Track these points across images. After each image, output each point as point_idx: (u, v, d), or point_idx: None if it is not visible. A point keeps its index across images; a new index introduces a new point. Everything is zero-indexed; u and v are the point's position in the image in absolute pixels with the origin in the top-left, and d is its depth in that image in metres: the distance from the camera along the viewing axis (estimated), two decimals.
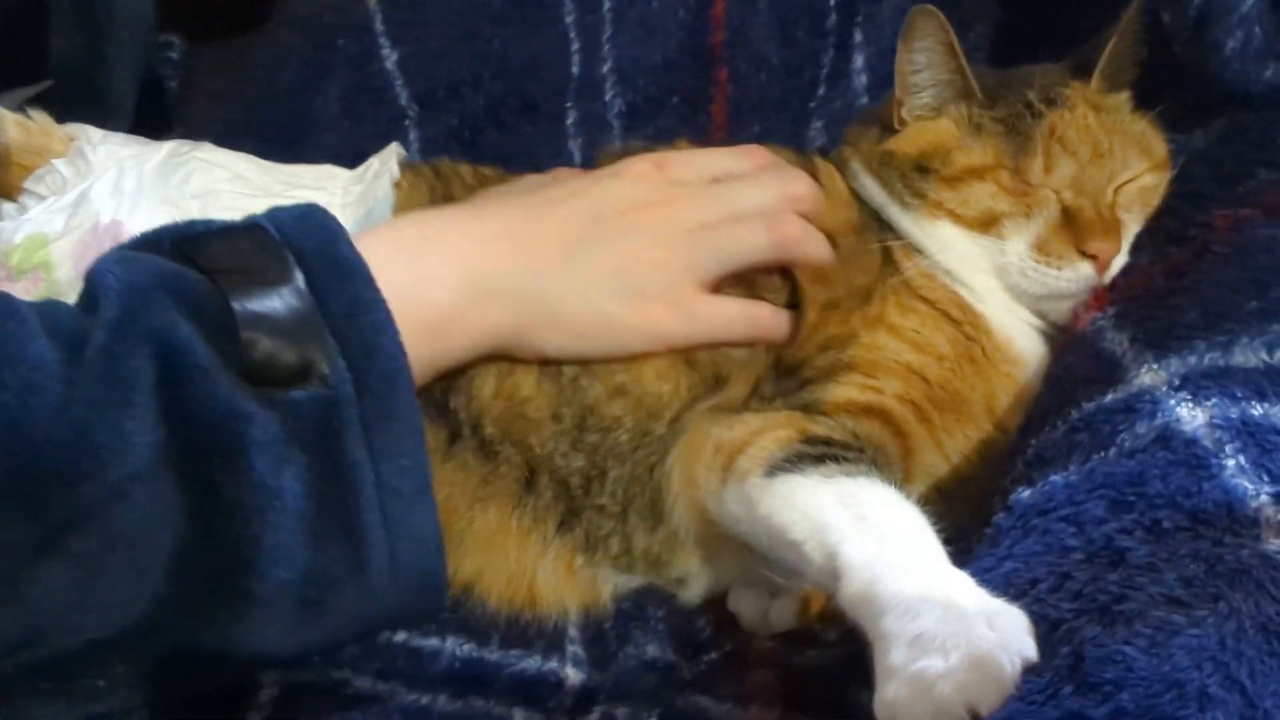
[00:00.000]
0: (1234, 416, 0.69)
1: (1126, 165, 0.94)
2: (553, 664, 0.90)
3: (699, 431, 0.90)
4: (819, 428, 0.85)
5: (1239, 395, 0.71)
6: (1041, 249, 0.91)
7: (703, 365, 0.93)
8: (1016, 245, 0.92)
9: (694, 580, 0.94)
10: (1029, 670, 0.62)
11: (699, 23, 1.16)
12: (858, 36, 1.15)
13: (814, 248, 0.96)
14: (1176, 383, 0.73)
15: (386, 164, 1.04)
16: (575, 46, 1.19)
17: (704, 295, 0.94)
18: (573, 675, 0.89)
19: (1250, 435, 0.68)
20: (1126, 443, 0.72)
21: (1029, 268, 0.92)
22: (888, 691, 0.64)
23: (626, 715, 0.84)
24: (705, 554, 0.93)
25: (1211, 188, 0.89)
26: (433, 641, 0.89)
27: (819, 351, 0.92)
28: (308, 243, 0.79)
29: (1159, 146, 0.96)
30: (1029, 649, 0.63)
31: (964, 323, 0.94)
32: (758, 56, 1.16)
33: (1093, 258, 0.90)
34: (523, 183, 1.01)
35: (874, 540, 0.73)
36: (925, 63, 0.95)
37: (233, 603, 0.74)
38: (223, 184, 0.98)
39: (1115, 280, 0.90)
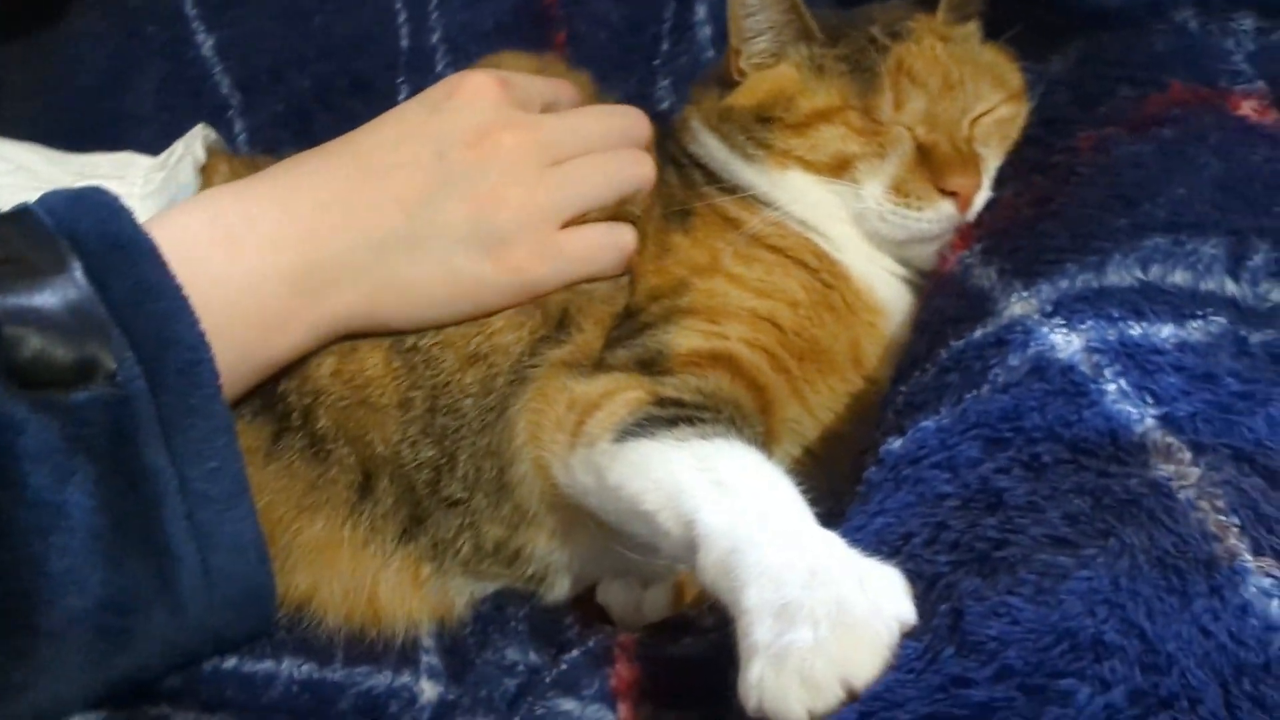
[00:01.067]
0: (1112, 339, 0.62)
1: (980, 97, 0.86)
2: (405, 679, 0.79)
3: (552, 383, 0.80)
4: (668, 389, 0.76)
5: (1115, 316, 0.63)
6: (899, 190, 0.84)
7: (550, 305, 0.84)
8: (872, 188, 0.84)
9: (555, 575, 0.85)
10: (907, 635, 0.54)
11: None
12: None
13: (647, 174, 0.89)
14: (1049, 309, 0.66)
15: (190, 148, 0.93)
16: (402, 18, 1.09)
17: (566, 230, 0.84)
18: (428, 689, 0.79)
19: (1130, 357, 0.61)
20: (999, 377, 0.64)
21: (887, 211, 0.84)
22: (752, 671, 0.55)
23: None
24: (558, 532, 0.83)
25: (1073, 111, 0.83)
26: (266, 665, 0.77)
27: (650, 300, 0.83)
28: (83, 225, 0.68)
29: (1013, 76, 0.89)
30: (906, 611, 0.55)
31: (820, 270, 0.86)
32: (596, 15, 1.07)
33: (953, 195, 0.82)
34: (350, 135, 0.87)
35: (733, 505, 0.64)
36: (759, 4, 0.87)
37: (14, 640, 0.64)
38: (2, 178, 0.86)
39: (980, 216, 0.83)
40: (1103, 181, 0.73)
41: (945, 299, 0.77)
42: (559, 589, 0.86)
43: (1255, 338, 0.62)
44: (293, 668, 0.78)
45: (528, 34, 1.06)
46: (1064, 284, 0.67)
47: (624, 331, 0.83)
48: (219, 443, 0.68)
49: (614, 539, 0.74)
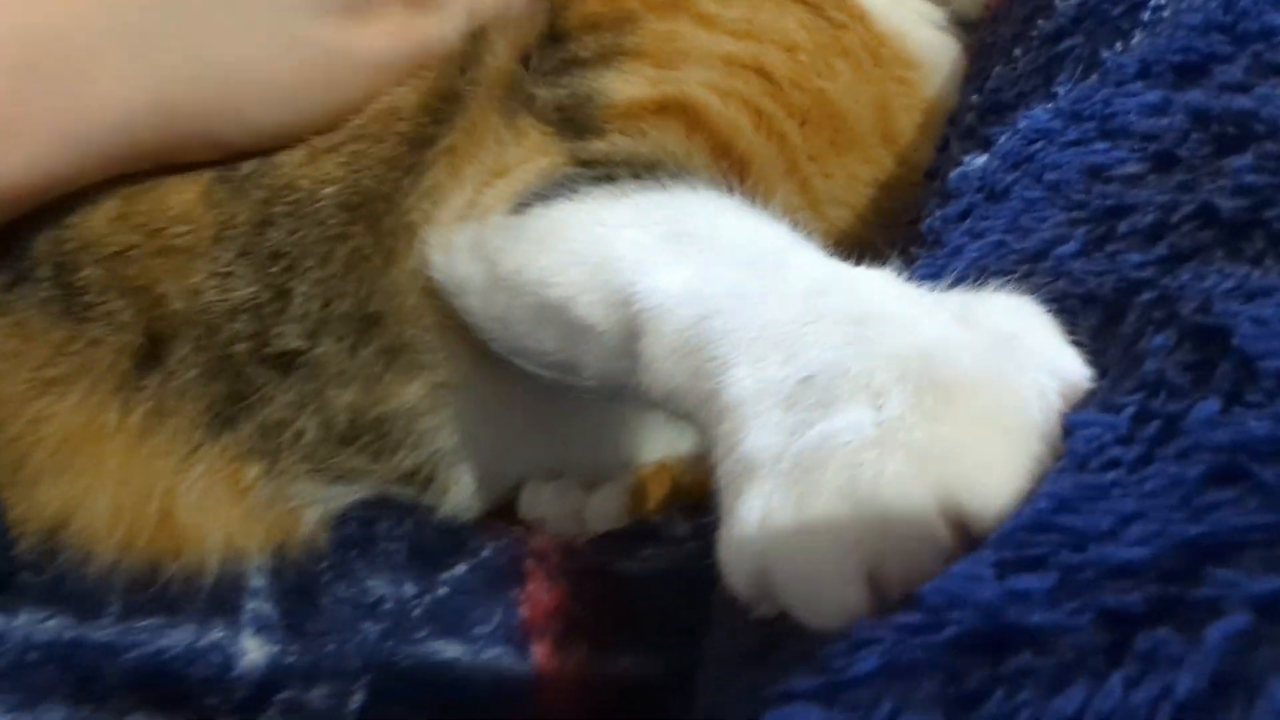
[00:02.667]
0: None
1: None
2: (216, 634, 0.48)
3: (460, 162, 0.50)
4: (595, 149, 0.47)
5: None
6: None
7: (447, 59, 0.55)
8: None
9: (449, 470, 0.53)
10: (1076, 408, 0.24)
11: None
12: None
13: None
14: None
15: None
16: None
17: None
18: (253, 649, 0.48)
19: None
20: (1165, 9, 0.34)
21: None
22: (749, 507, 0.26)
23: (325, 699, 0.44)
24: (450, 389, 0.52)
25: None
26: None
27: (584, 29, 0.54)
28: None
29: None
30: (1067, 360, 0.25)
31: (824, 5, 0.56)
32: None
33: None
34: None
35: (701, 257, 0.35)
36: None
37: None
38: None
39: None
40: None
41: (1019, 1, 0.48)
42: (458, 494, 0.54)
43: None
44: (32, 625, 0.48)
45: None
46: None
47: (546, 63, 0.54)
48: None
49: (518, 356, 0.43)
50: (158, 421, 0.51)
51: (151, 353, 0.52)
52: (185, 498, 0.51)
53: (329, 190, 0.52)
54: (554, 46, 0.53)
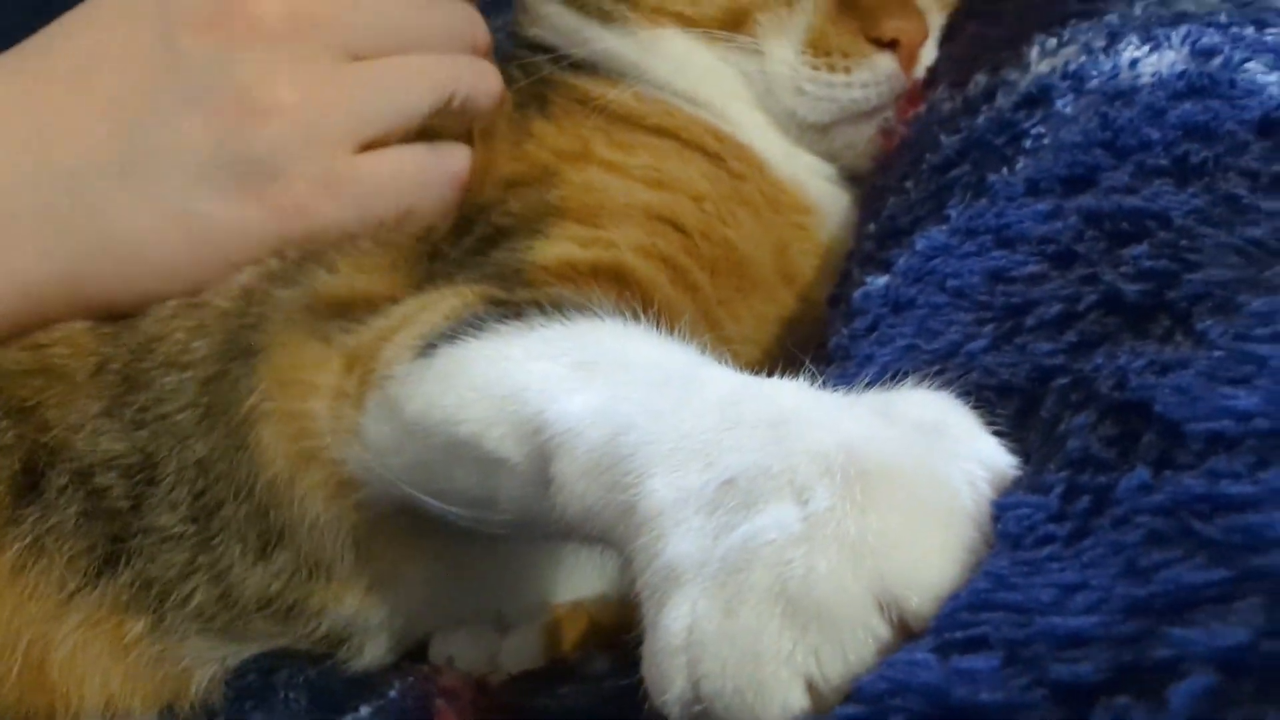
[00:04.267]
0: (1227, 37, 0.34)
1: None
2: None
3: (299, 343, 0.47)
4: (514, 295, 0.45)
5: (1224, 23, 0.36)
6: (818, 46, 0.56)
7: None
8: (781, 49, 0.57)
9: (363, 635, 0.49)
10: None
11: None
12: None
13: (490, 86, 0.57)
14: (1101, 44, 0.38)
15: None
16: None
17: (367, 154, 0.53)
18: None
19: (1273, 52, 0.33)
20: (1046, 135, 0.35)
21: (805, 79, 0.56)
22: (673, 616, 0.25)
23: None
24: (369, 577, 0.48)
25: None
26: None
27: (507, 191, 0.53)
28: None
29: None
30: (989, 449, 0.24)
31: (724, 156, 0.57)
32: None
33: (891, 46, 0.55)
34: (56, 21, 0.53)
35: (610, 379, 0.34)
36: None
37: None
38: None
39: (934, 64, 0.56)
40: None
41: (905, 149, 0.49)
42: (371, 651, 0.51)
43: None
44: None
45: None
46: (1112, 19, 0.39)
47: (461, 250, 0.53)
48: None
49: (440, 500, 0.40)
50: (33, 559, 0.47)
51: (31, 483, 0.47)
52: (60, 649, 0.46)
53: (175, 377, 0.48)
54: (469, 230, 0.52)
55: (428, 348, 0.41)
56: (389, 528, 0.45)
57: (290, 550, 0.46)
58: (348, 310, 0.47)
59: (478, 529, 0.40)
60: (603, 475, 0.30)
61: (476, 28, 0.60)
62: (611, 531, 0.30)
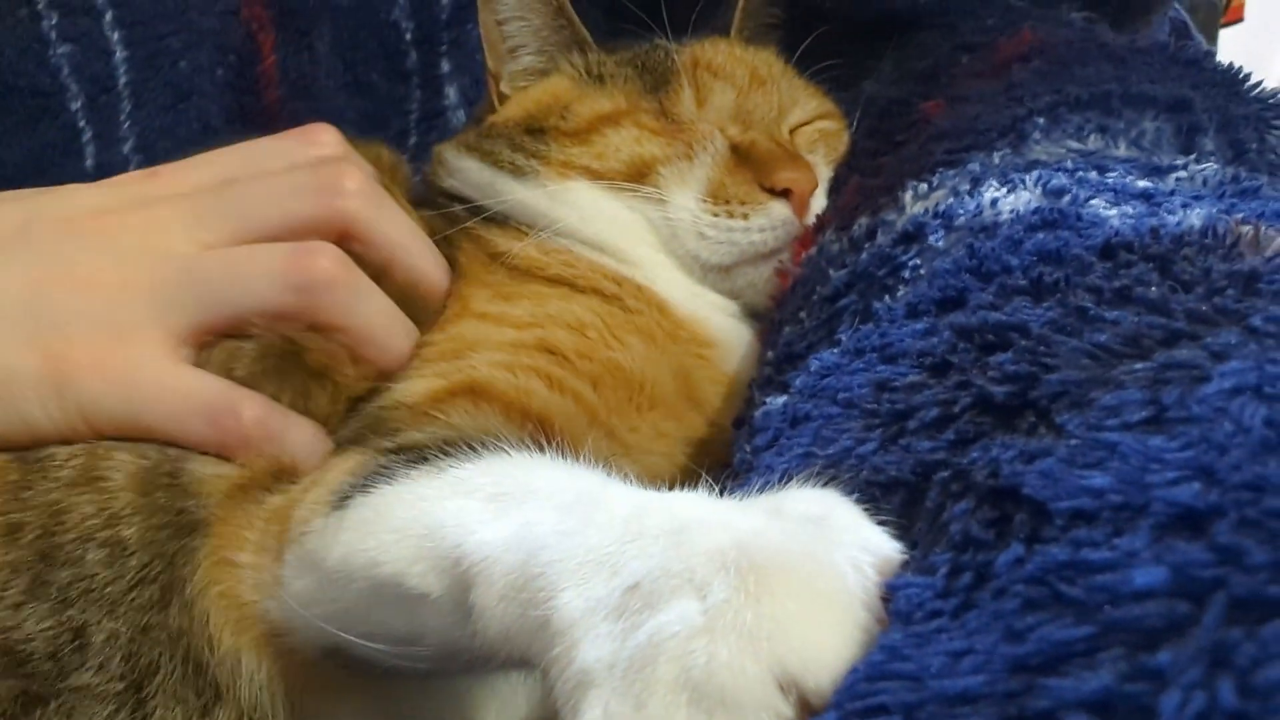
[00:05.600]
0: (1075, 179, 0.38)
1: (797, 103, 0.66)
2: None
3: (236, 517, 0.47)
4: (404, 438, 0.46)
5: (1071, 168, 0.40)
6: (718, 195, 0.60)
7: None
8: (683, 197, 0.61)
9: None
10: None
11: (244, 81, 0.81)
12: (445, 67, 0.83)
13: (361, 304, 0.54)
14: (966, 186, 0.41)
15: None
16: (87, 135, 0.81)
17: (171, 358, 0.51)
18: None
19: (1115, 192, 0.37)
20: (922, 266, 0.38)
21: (706, 224, 0.60)
22: (591, 716, 0.26)
23: None
24: None
25: (911, 89, 0.62)
26: None
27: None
28: None
29: (826, 98, 0.69)
30: (875, 539, 0.26)
31: (621, 296, 0.59)
32: (329, 111, 0.82)
33: (785, 194, 0.59)
34: None
35: (523, 507, 0.35)
36: (516, 7, 0.65)
37: None
38: None
39: (824, 210, 0.59)
40: (981, 99, 0.52)
41: (798, 285, 0.52)
42: None
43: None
44: None
45: (245, 135, 0.79)
46: (974, 166, 0.43)
47: (351, 430, 0.52)
48: None
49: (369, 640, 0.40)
50: None
51: None
52: None
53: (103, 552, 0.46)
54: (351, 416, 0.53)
55: (341, 500, 0.42)
56: (319, 673, 0.45)
57: (231, 708, 0.45)
58: (276, 480, 0.48)
59: (406, 668, 0.40)
60: (519, 595, 0.30)
61: (356, 187, 0.56)
62: (530, 649, 0.30)
